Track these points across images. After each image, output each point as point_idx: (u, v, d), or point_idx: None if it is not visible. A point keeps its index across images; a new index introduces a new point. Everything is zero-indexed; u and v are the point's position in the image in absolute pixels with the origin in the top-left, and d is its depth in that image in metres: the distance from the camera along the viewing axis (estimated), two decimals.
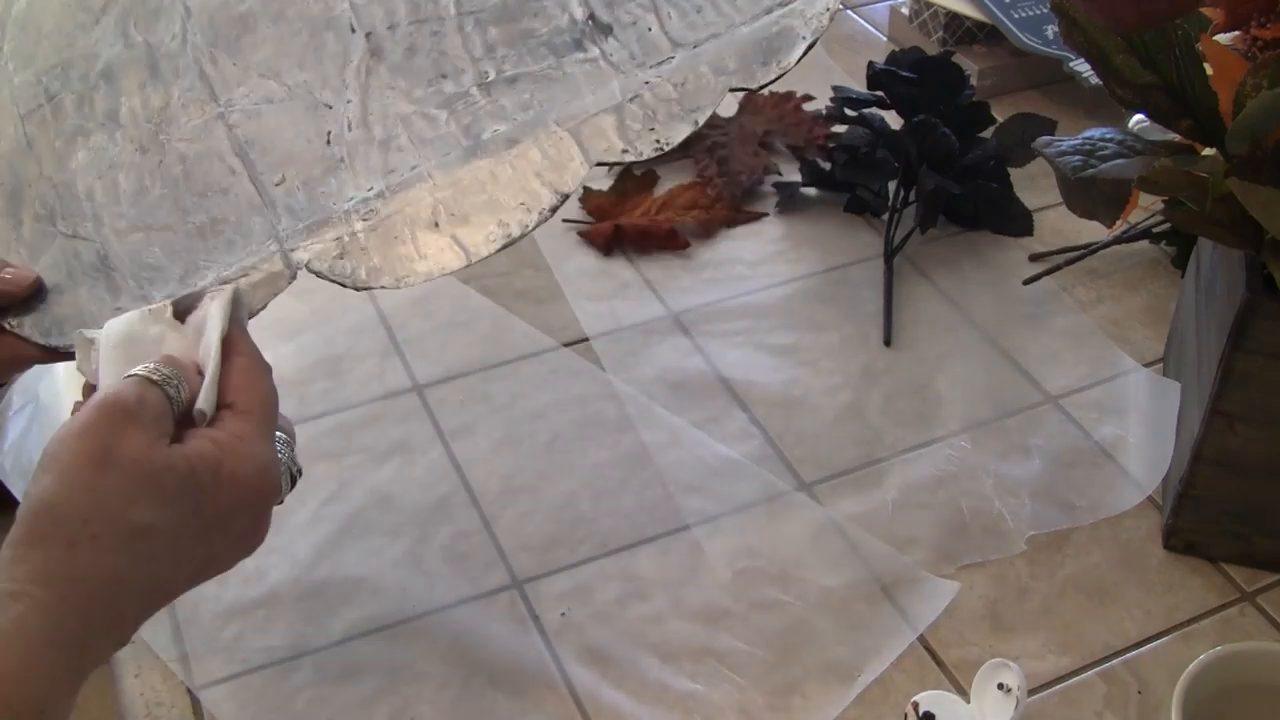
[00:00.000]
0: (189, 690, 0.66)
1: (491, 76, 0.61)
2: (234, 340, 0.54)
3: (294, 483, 0.57)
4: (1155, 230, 0.93)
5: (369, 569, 0.72)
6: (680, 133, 0.61)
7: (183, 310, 0.56)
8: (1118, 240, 0.93)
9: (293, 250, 0.60)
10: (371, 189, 0.61)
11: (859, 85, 1.05)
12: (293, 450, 0.57)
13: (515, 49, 0.62)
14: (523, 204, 0.60)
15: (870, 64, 0.99)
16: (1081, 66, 1.06)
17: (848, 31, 1.25)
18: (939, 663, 0.67)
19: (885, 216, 0.97)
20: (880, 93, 1.00)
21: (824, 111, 1.06)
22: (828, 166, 1.01)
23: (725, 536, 0.74)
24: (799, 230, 0.98)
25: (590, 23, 0.61)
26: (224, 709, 0.65)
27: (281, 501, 0.54)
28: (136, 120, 0.64)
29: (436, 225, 0.60)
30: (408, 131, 0.61)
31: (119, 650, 0.49)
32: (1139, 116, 0.96)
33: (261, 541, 0.53)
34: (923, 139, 0.95)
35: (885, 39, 1.23)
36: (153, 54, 0.64)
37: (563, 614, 0.70)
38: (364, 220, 0.60)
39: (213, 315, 0.55)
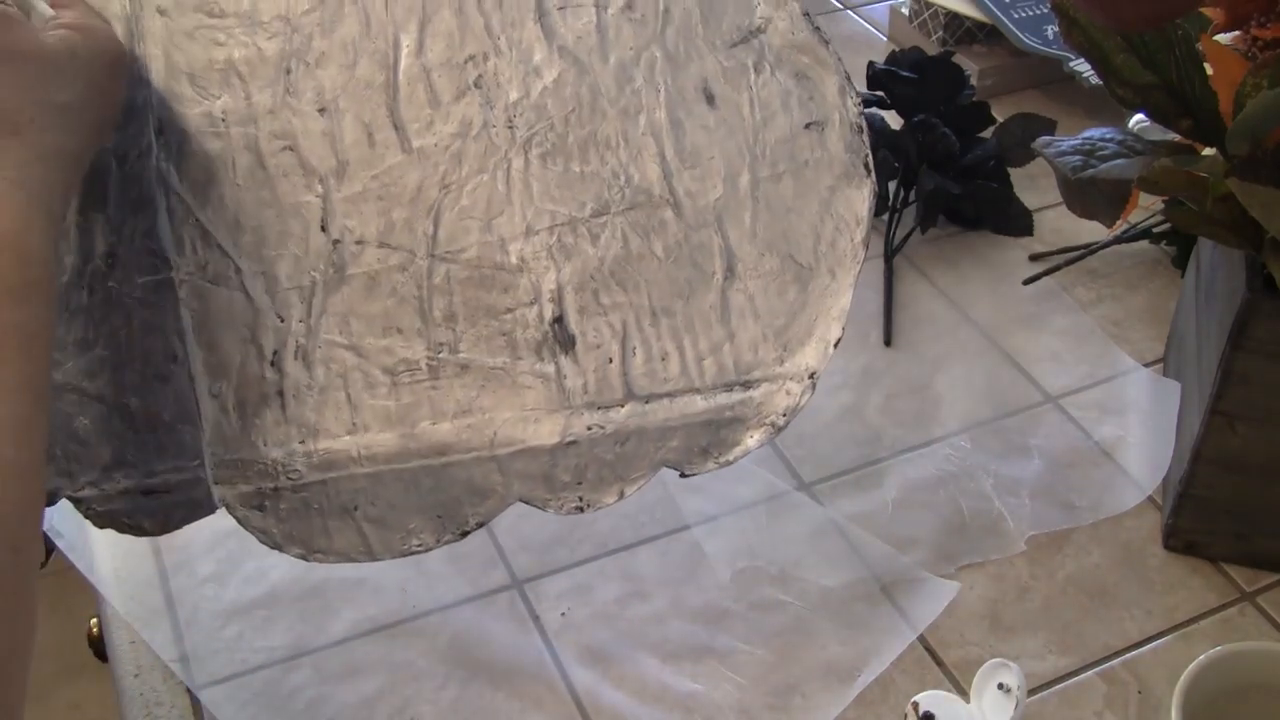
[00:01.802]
0: (189, 690, 0.66)
1: (444, 355, 0.58)
2: None
3: None
4: (1155, 230, 0.93)
5: (369, 569, 0.72)
6: (604, 501, 0.58)
7: None
8: (1118, 240, 0.92)
9: (216, 484, 0.58)
10: (302, 444, 0.58)
11: (859, 85, 1.05)
12: None
13: (475, 326, 0.59)
14: (439, 518, 0.58)
15: (870, 64, 0.99)
16: (1081, 66, 1.06)
17: (848, 31, 1.25)
18: (939, 663, 0.67)
19: (885, 216, 0.97)
20: (880, 93, 1.00)
21: None
22: None
23: (725, 536, 0.74)
24: None
25: (556, 326, 0.58)
26: (224, 709, 0.65)
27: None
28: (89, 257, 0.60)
29: (352, 513, 0.58)
30: (347, 388, 0.59)
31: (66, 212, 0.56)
32: (1139, 116, 0.96)
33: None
34: (923, 139, 0.95)
35: (885, 39, 1.23)
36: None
37: (563, 614, 0.69)
38: (289, 478, 0.58)
39: None
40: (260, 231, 0.60)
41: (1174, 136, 0.69)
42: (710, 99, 0.59)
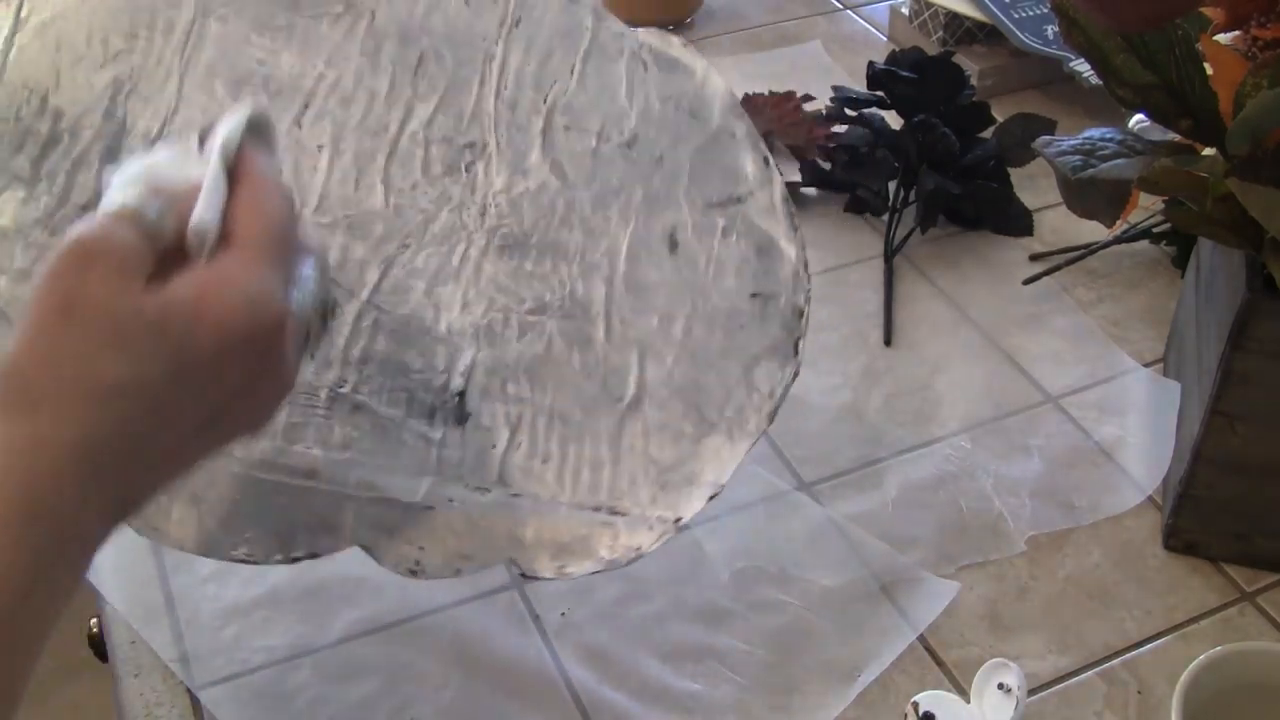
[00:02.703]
0: (189, 690, 0.66)
1: (344, 390, 0.59)
2: (245, 160, 0.46)
3: (326, 320, 0.50)
4: (1155, 230, 0.93)
5: (369, 569, 0.71)
6: (439, 571, 0.57)
7: (205, 136, 0.48)
8: (1118, 240, 0.93)
9: None
10: None
11: (859, 85, 1.05)
12: (323, 278, 0.48)
13: (383, 375, 0.59)
14: (276, 535, 0.57)
15: (870, 64, 0.99)
16: (1081, 66, 1.06)
17: (848, 31, 1.25)
18: (939, 663, 0.67)
19: (885, 216, 0.97)
20: (880, 93, 1.00)
21: (824, 111, 1.06)
22: (828, 166, 1.01)
23: (725, 536, 0.73)
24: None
25: (457, 400, 0.59)
26: (224, 709, 0.65)
27: (309, 344, 0.47)
28: None
29: (198, 503, 0.58)
30: None
31: (127, 521, 0.44)
32: (1139, 116, 0.96)
33: (284, 390, 0.46)
34: (923, 139, 0.95)
35: (885, 39, 1.23)
36: None
37: (563, 614, 0.69)
38: None
39: (219, 131, 0.47)
40: None
41: (1174, 136, 0.69)
42: (673, 245, 0.61)
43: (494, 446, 0.58)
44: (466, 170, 0.62)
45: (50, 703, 1.54)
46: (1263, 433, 0.66)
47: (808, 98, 1.10)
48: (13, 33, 0.65)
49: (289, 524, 0.58)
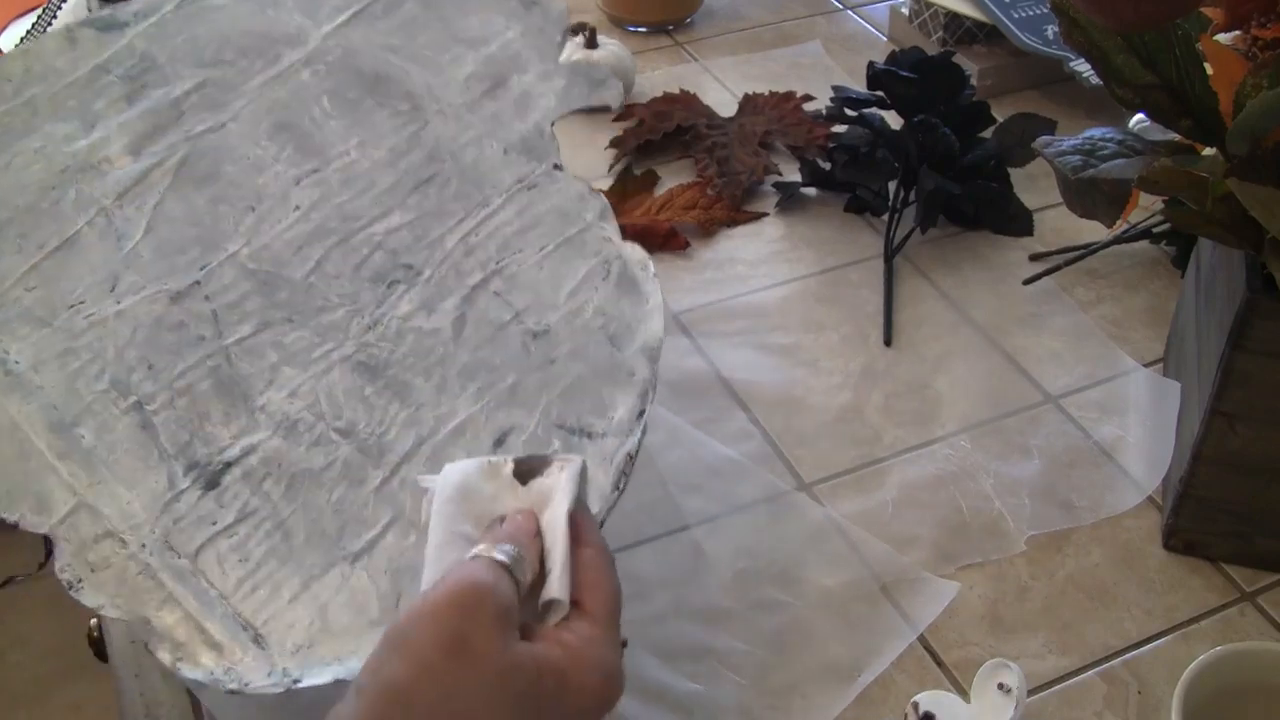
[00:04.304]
0: (189, 690, 0.66)
1: (147, 406, 0.61)
2: (581, 526, 0.50)
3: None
4: (1155, 230, 0.93)
5: None
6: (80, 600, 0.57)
7: (524, 472, 0.51)
8: (1118, 240, 0.93)
9: None
10: None
11: (859, 85, 1.05)
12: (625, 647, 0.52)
13: (183, 412, 0.61)
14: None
15: (870, 64, 0.99)
16: (1081, 66, 1.06)
17: (848, 31, 1.25)
18: (939, 663, 0.67)
19: (885, 216, 0.97)
20: (880, 93, 1.00)
21: (824, 111, 1.06)
22: (828, 166, 1.01)
23: (725, 536, 0.74)
24: (799, 230, 0.98)
25: (220, 468, 0.59)
26: (224, 709, 0.64)
27: None
28: None
29: None
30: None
31: None
32: (1139, 116, 0.97)
33: None
34: (923, 139, 0.95)
35: (885, 39, 1.23)
36: None
37: None
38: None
39: (561, 489, 0.50)
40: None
41: (1174, 136, 0.69)
42: (497, 444, 0.60)
43: (214, 524, 0.58)
44: (389, 286, 0.64)
45: (50, 703, 1.54)
46: (1263, 433, 0.66)
47: (808, 98, 1.10)
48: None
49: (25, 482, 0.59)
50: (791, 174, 1.02)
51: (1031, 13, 1.11)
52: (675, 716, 0.65)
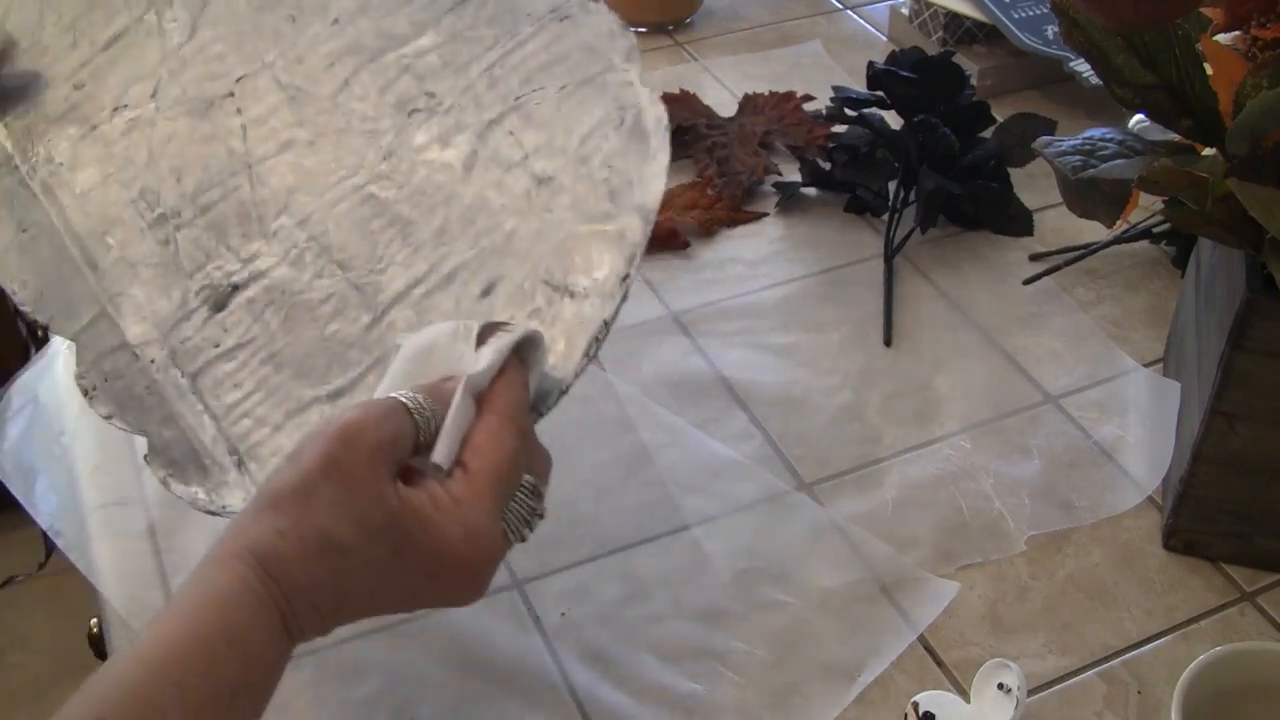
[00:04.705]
0: None
1: (171, 221, 0.61)
2: (494, 394, 0.52)
3: (533, 526, 0.53)
4: (1155, 230, 0.93)
5: None
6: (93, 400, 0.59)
7: (484, 336, 0.53)
8: (1118, 240, 0.93)
9: None
10: None
11: (859, 85, 1.05)
12: (537, 498, 0.53)
13: (204, 231, 0.61)
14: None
15: (870, 64, 0.99)
16: (1081, 66, 1.06)
17: (848, 31, 1.25)
18: (939, 663, 0.67)
19: (885, 216, 0.97)
20: (880, 93, 1.00)
21: (824, 111, 1.06)
22: (828, 166, 1.01)
23: (725, 536, 0.74)
24: (799, 230, 0.98)
25: (228, 290, 0.60)
26: None
27: (512, 546, 0.52)
28: None
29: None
30: None
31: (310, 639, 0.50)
32: (1139, 116, 0.96)
33: (477, 596, 0.52)
34: (923, 139, 0.95)
35: (885, 39, 1.23)
36: None
37: (563, 614, 0.69)
38: None
39: (483, 357, 0.52)
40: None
41: (1174, 136, 0.69)
42: (485, 293, 0.59)
43: (216, 346, 0.59)
44: (409, 115, 0.62)
45: (50, 703, 1.53)
46: (1263, 433, 0.66)
47: (808, 98, 1.10)
48: None
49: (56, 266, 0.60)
50: (791, 174, 1.02)
51: (1031, 13, 1.11)
52: (675, 716, 0.65)
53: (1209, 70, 0.65)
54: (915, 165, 0.96)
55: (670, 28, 1.26)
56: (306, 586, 0.47)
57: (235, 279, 0.60)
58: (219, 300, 0.59)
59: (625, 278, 0.57)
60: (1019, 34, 1.09)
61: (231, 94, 0.63)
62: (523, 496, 0.52)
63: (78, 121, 0.63)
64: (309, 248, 0.60)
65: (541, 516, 0.54)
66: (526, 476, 0.53)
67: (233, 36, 0.64)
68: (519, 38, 0.63)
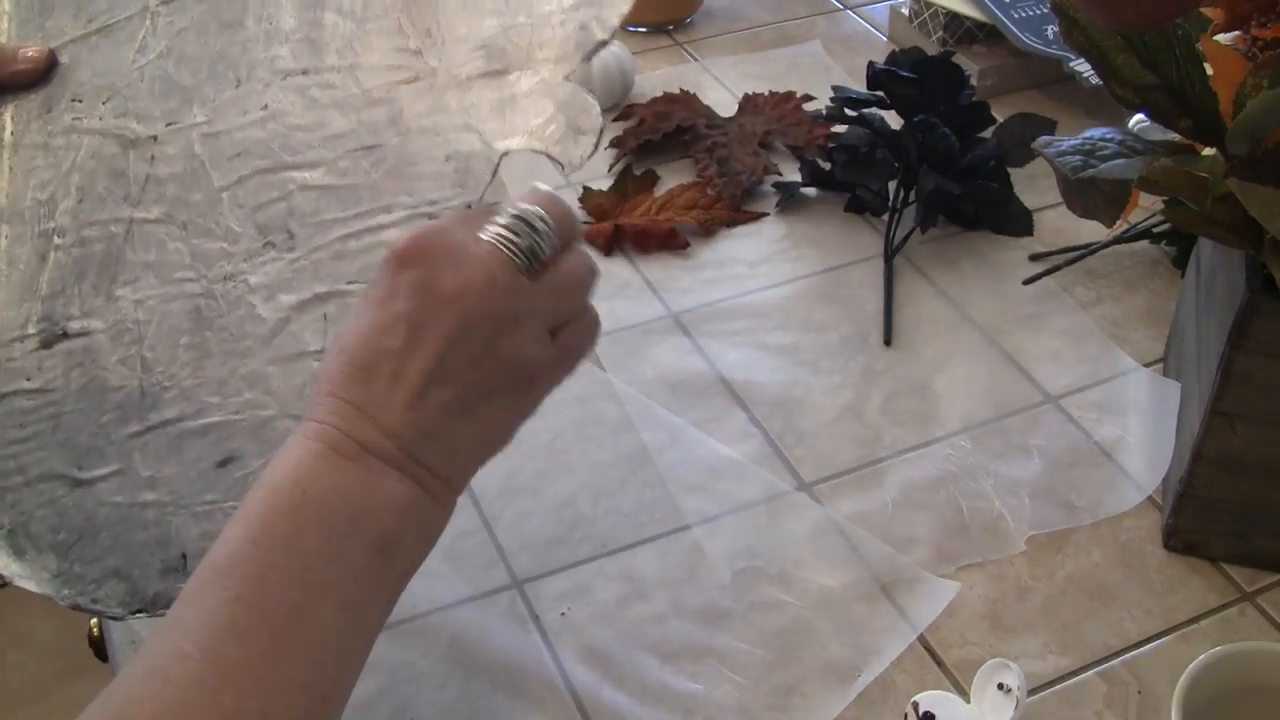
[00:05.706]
0: None
1: (142, 214, 0.61)
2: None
3: (532, 262, 0.51)
4: (1155, 230, 0.93)
5: None
6: None
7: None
8: (1118, 240, 0.93)
9: None
10: None
11: (859, 85, 1.05)
12: (536, 231, 0.51)
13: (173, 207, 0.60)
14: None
15: (870, 64, 0.99)
16: (1081, 66, 1.06)
17: (848, 31, 1.25)
18: (939, 663, 0.67)
19: (885, 216, 0.97)
20: (880, 93, 1.00)
21: (824, 111, 1.06)
22: (828, 166, 1.01)
23: (725, 536, 0.74)
24: (799, 230, 0.98)
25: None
26: None
27: (525, 272, 0.50)
28: None
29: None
30: None
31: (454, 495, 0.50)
32: (1139, 116, 0.96)
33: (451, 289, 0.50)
34: (923, 139, 0.95)
35: (885, 39, 1.23)
36: None
37: (563, 614, 0.70)
38: None
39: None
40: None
41: (1174, 136, 0.69)
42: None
43: (27, 380, 0.59)
44: (264, 245, 0.60)
45: (50, 703, 1.54)
46: (1263, 433, 0.66)
47: (808, 98, 1.10)
48: None
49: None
50: (791, 174, 1.02)
51: (1031, 13, 1.11)
52: (675, 716, 0.65)
53: (1209, 70, 0.65)
54: (915, 165, 0.96)
55: (670, 28, 1.26)
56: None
57: (69, 325, 0.60)
58: (48, 339, 0.59)
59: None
60: (1019, 34, 1.09)
61: (155, 138, 0.62)
62: (521, 223, 0.51)
63: (43, 97, 0.62)
64: (131, 330, 0.60)
65: (546, 249, 0.52)
66: (527, 206, 0.51)
67: (187, 74, 0.63)
68: (387, 218, 0.59)
